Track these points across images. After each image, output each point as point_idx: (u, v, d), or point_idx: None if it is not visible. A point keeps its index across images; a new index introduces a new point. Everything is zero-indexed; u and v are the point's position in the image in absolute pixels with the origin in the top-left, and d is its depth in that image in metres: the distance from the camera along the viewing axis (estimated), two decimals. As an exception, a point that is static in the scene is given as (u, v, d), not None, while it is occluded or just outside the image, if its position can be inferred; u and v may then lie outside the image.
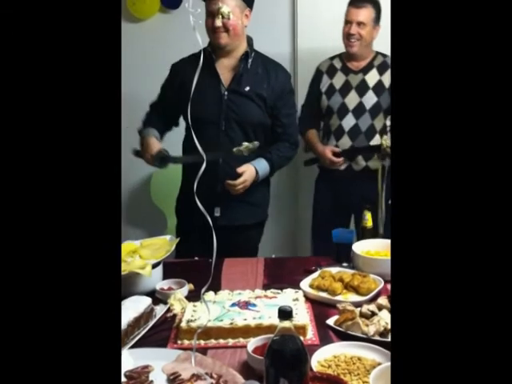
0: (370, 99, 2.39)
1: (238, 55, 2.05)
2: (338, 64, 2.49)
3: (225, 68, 2.06)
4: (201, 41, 1.13)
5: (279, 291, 1.60)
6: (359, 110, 2.41)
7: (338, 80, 2.46)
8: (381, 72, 2.41)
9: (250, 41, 2.09)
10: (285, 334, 1.03)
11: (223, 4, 1.92)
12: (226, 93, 2.04)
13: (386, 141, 2.29)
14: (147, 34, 3.11)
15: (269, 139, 2.11)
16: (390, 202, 2.31)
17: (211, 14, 1.95)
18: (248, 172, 2.00)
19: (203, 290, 1.15)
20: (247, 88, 2.03)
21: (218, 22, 1.94)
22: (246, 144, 1.95)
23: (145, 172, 3.27)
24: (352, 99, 2.42)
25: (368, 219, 1.93)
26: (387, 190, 2.24)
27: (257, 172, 2.03)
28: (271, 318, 1.38)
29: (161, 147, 2.03)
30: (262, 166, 2.05)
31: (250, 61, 2.05)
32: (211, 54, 2.02)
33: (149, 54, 3.11)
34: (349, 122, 2.42)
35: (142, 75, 3.11)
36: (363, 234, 1.94)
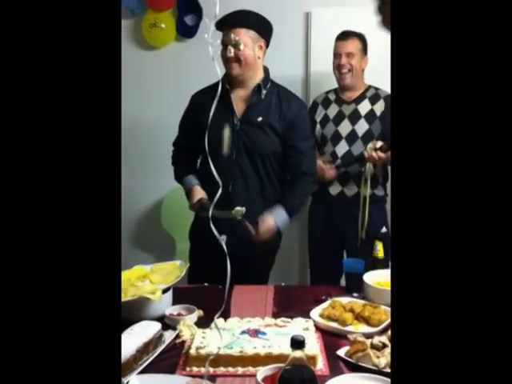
0: (362, 127, 2.47)
1: (252, 86, 2.07)
2: (332, 96, 2.58)
3: (239, 98, 2.09)
4: (219, 71, 1.14)
5: (289, 320, 1.58)
6: (352, 138, 2.48)
7: (332, 110, 2.54)
8: (373, 102, 2.49)
9: (266, 71, 2.12)
10: (296, 363, 1.02)
11: (234, 35, 1.97)
12: (238, 123, 2.06)
13: (372, 145, 2.36)
14: (162, 61, 3.17)
15: (280, 169, 2.12)
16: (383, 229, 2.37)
17: (225, 44, 2.00)
18: (265, 224, 2.04)
19: (216, 316, 1.14)
20: (260, 118, 2.05)
21: (229, 53, 1.99)
22: (238, 208, 1.97)
23: (155, 197, 3.30)
24: (345, 127, 2.49)
25: (379, 249, 1.92)
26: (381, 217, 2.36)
27: (277, 226, 2.09)
28: (281, 347, 1.37)
29: (202, 196, 2.06)
30: (281, 217, 2.08)
31: (264, 91, 2.07)
32: (225, 84, 2.04)
33: (163, 82, 3.17)
34: (342, 148, 2.49)
35: (157, 102, 3.17)
36: (374, 264, 1.93)
